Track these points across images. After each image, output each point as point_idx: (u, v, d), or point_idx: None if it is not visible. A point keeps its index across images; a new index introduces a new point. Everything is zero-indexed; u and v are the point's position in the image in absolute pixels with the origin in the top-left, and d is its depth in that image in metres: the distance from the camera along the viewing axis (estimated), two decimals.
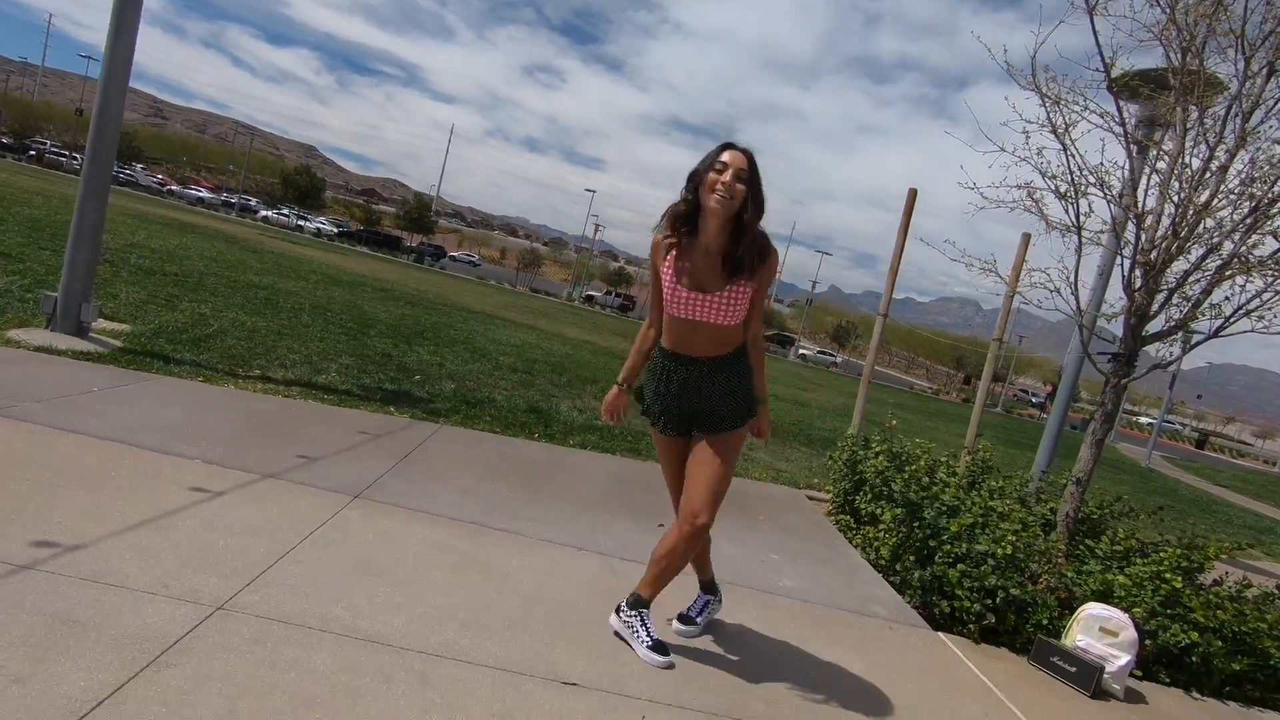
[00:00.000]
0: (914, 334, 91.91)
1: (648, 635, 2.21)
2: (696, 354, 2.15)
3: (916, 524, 3.53)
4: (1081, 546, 3.74)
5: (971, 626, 3.09)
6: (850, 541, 4.14)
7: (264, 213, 52.04)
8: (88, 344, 4.19)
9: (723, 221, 2.02)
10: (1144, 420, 63.10)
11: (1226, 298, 3.83)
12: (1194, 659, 3.10)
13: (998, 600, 3.08)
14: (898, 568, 3.53)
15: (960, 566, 3.20)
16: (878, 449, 4.53)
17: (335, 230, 51.15)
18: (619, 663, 2.16)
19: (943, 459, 4.75)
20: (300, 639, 1.85)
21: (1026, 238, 5.15)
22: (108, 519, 2.23)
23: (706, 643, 2.44)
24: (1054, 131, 4.06)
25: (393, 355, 6.43)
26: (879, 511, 4.01)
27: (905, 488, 3.70)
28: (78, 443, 2.79)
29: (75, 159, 55.11)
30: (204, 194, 57.54)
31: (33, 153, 51.82)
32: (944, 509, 3.56)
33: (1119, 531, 3.72)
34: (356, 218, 64.67)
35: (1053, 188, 4.20)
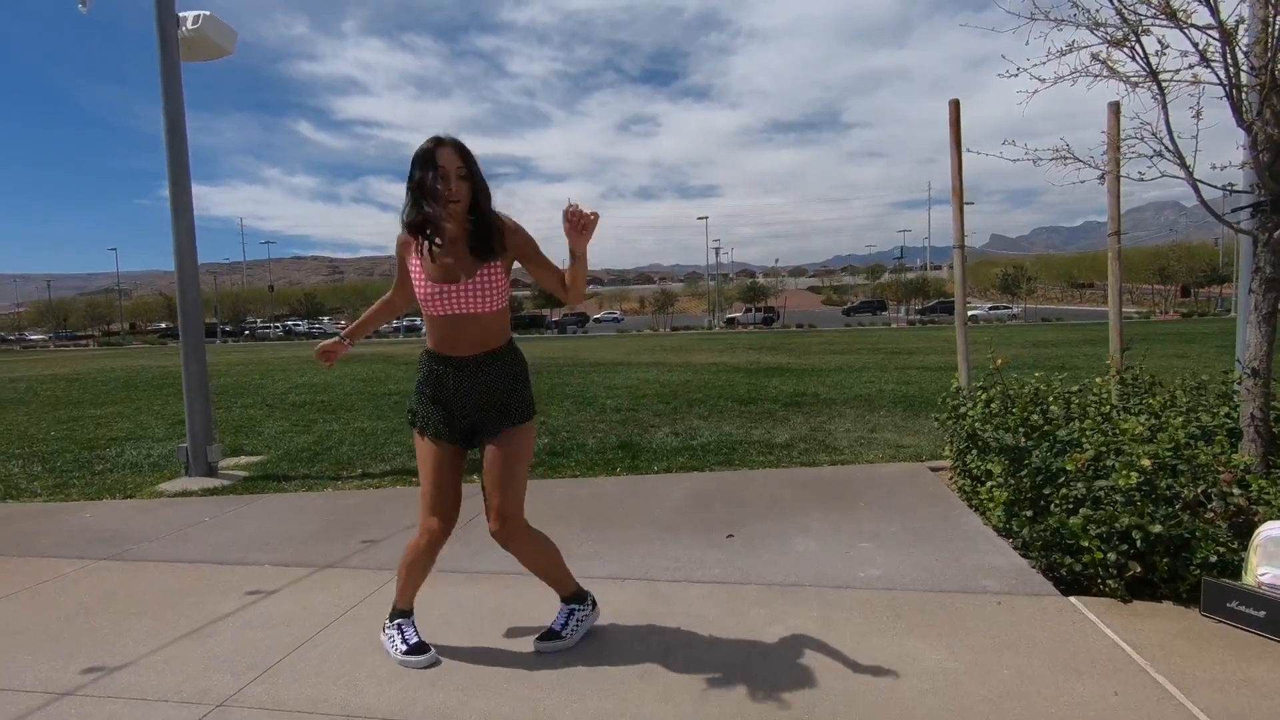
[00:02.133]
0: (1100, 258, 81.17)
1: (402, 641, 2.21)
2: (464, 353, 2.08)
3: (1024, 471, 2.95)
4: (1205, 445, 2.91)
5: (1112, 583, 2.47)
6: (971, 507, 3.57)
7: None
8: (216, 480, 4.75)
9: (459, 217, 2.04)
10: None
11: None
12: None
13: (1137, 543, 2.45)
14: (1014, 527, 2.95)
15: (1084, 511, 2.60)
16: (984, 396, 3.90)
17: None
18: (619, 699, 1.95)
19: (1075, 388, 4.00)
20: None
21: (1115, 106, 4.31)
22: (159, 637, 2.42)
23: (728, 662, 2.14)
24: None
25: None
26: (991, 466, 3.41)
27: (1001, 429, 3.12)
28: (167, 570, 3.11)
29: (277, 328, 64.87)
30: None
31: (246, 332, 62.02)
32: (1057, 446, 2.95)
33: None
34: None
35: (1105, 37, 3.51)
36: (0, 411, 9.47)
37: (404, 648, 2.19)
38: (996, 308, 49.44)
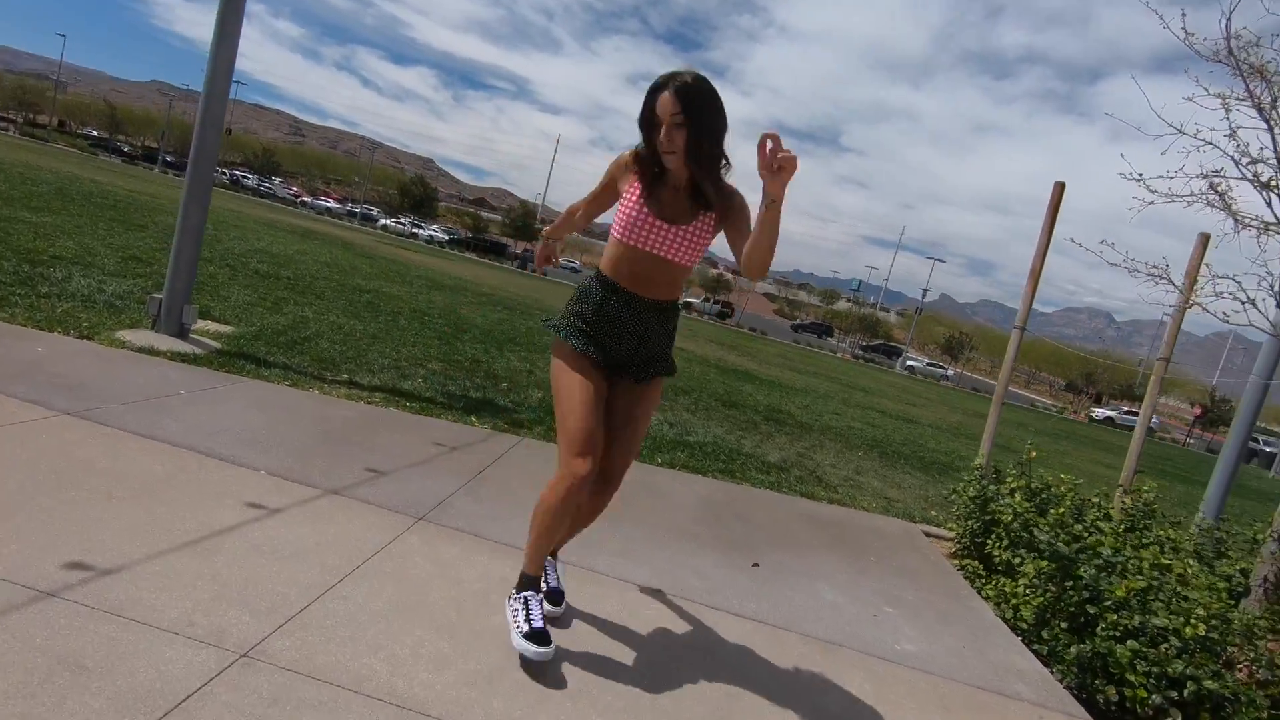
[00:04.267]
0: (1035, 346, 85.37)
1: (526, 620, 1.90)
2: (644, 293, 1.96)
3: (1070, 583, 2.92)
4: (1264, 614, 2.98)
5: None
6: (980, 593, 3.54)
7: (383, 221, 55.32)
8: (187, 345, 4.26)
9: (680, 163, 1.87)
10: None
11: None
12: None
13: (1185, 693, 2.44)
14: (1044, 634, 2.92)
15: (1132, 644, 2.57)
16: (1013, 484, 3.89)
17: (446, 237, 53.62)
18: None
19: (1093, 498, 4.03)
20: (325, 700, 1.59)
21: (1205, 238, 4.32)
22: (153, 538, 2.08)
23: None
24: (1258, 107, 3.32)
25: (483, 361, 6.33)
26: (1017, 561, 3.39)
27: (1054, 536, 3.08)
28: (149, 449, 2.71)
29: (224, 174, 60.79)
30: (331, 204, 62.02)
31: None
32: (1104, 566, 2.92)
33: None
34: (466, 225, 67.62)
35: (1251, 175, 3.46)
36: None
37: (525, 628, 1.87)
38: (934, 365, 51.33)
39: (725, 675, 2.15)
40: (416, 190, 57.23)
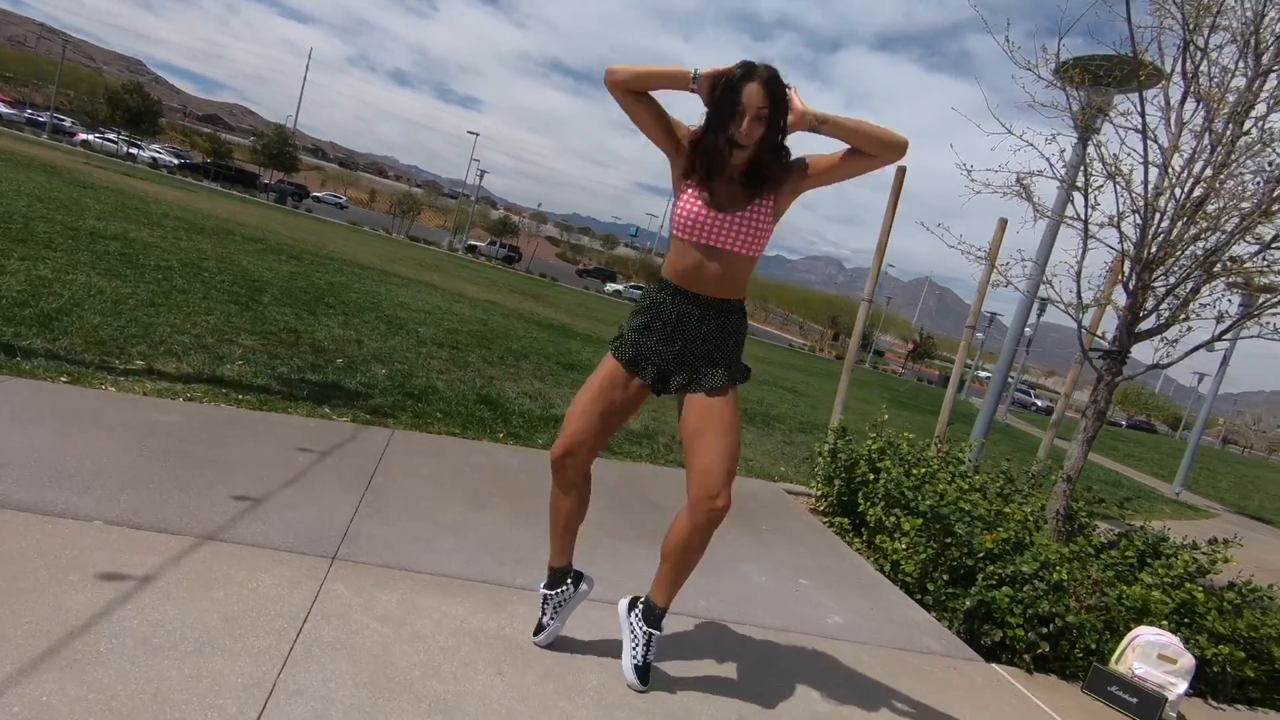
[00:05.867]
0: (786, 290, 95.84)
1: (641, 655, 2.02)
2: (701, 291, 1.90)
3: (950, 540, 3.32)
4: (1072, 545, 3.70)
5: (1026, 656, 2.92)
6: (853, 548, 3.91)
7: (83, 136, 44.52)
8: None
9: (746, 156, 1.83)
10: (983, 375, 70.05)
11: (1228, 299, 3.86)
12: (1214, 669, 3.11)
13: (1052, 627, 2.92)
14: (929, 586, 3.31)
15: (1006, 590, 3.01)
16: (873, 445, 4.30)
17: (175, 161, 44.77)
18: None
19: (925, 452, 4.61)
20: None
21: (1003, 223, 5.05)
22: None
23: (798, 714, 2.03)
24: (1075, 121, 3.88)
25: (301, 331, 5.42)
26: (889, 520, 3.77)
27: (935, 501, 3.47)
28: None
29: None
30: (1, 108, 48.44)
31: None
32: (971, 520, 3.37)
33: (1122, 538, 3.70)
34: (201, 148, 57.14)
35: (1060, 176, 4.04)
36: None
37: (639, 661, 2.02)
38: None
39: (721, 684, 2.11)
40: (133, 100, 46.50)
